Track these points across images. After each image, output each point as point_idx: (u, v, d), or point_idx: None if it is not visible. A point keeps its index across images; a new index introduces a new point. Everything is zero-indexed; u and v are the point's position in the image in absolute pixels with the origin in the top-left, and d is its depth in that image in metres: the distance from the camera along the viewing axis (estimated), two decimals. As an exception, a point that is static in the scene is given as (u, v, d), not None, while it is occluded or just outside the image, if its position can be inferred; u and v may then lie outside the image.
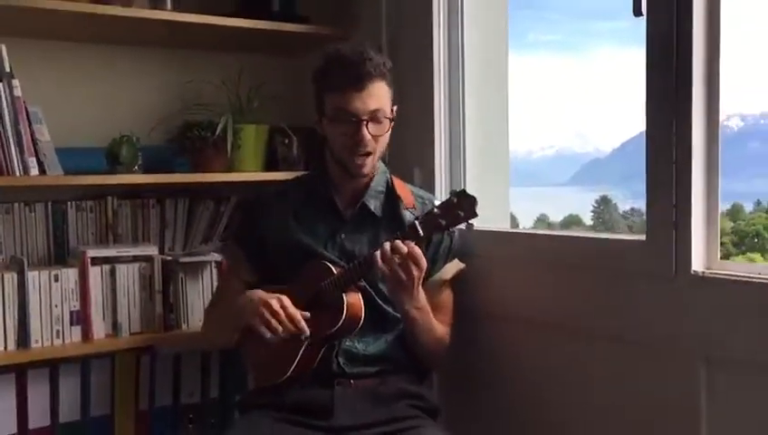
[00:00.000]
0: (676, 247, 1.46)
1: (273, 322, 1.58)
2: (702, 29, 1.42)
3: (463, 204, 1.53)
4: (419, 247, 1.57)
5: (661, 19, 1.45)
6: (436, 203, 1.58)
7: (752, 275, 1.37)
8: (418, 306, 1.66)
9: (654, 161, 1.50)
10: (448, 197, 1.56)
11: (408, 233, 1.57)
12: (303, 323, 1.59)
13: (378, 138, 1.68)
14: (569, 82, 2.36)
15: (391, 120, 1.70)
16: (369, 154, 1.69)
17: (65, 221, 2.14)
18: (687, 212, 1.44)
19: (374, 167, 1.75)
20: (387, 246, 1.55)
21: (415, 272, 1.56)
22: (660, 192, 1.48)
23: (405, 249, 1.54)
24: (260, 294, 1.65)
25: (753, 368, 1.35)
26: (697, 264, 1.44)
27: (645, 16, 1.47)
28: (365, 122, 1.64)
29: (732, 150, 2.07)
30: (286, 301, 1.60)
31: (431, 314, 1.71)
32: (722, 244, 1.93)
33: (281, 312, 1.58)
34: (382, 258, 1.55)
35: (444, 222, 1.55)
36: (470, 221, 1.53)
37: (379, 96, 1.66)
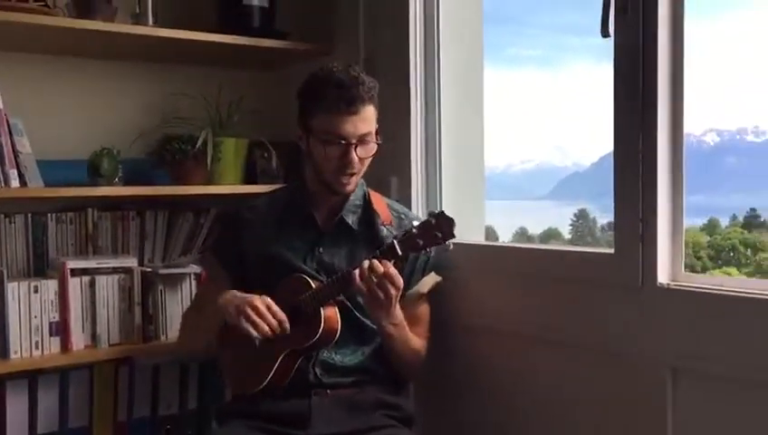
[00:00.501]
0: (642, 260, 1.50)
1: (260, 322, 1.59)
2: (667, 50, 1.47)
3: (441, 225, 1.56)
4: (397, 265, 1.59)
5: (628, 40, 1.50)
6: (414, 223, 1.59)
7: (714, 287, 1.42)
8: (395, 323, 1.68)
9: (621, 177, 1.55)
10: (427, 217, 1.59)
11: (386, 251, 1.58)
12: (287, 324, 1.61)
13: (364, 160, 1.71)
14: (548, 96, 2.40)
15: (378, 141, 1.71)
16: (354, 174, 1.72)
17: (45, 233, 2.15)
18: (653, 226, 1.49)
19: (356, 184, 1.77)
20: (365, 264, 1.57)
21: (392, 291, 1.58)
22: (627, 207, 1.53)
23: (382, 269, 1.56)
24: (242, 294, 1.66)
25: (718, 378, 1.39)
26: (663, 276, 1.49)
27: (612, 37, 1.52)
28: (354, 146, 1.67)
29: (708, 166, 2.12)
30: (270, 301, 1.62)
31: (407, 329, 1.73)
32: (698, 258, 1.99)
33: (267, 313, 1.60)
34: (360, 277, 1.57)
35: (422, 242, 1.57)
36: (447, 242, 1.56)
37: (369, 120, 1.68)
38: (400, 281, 1.59)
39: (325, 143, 1.67)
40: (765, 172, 2.10)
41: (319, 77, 1.70)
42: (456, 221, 1.55)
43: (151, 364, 2.19)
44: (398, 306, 1.65)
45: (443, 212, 1.58)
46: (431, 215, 1.58)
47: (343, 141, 1.66)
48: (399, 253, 1.58)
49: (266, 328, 1.59)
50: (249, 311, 1.60)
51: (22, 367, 1.97)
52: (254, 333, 1.59)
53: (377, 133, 1.71)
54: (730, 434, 1.38)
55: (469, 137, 2.18)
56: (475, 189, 2.19)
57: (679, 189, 1.50)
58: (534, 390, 1.78)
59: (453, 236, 1.56)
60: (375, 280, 1.56)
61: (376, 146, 1.71)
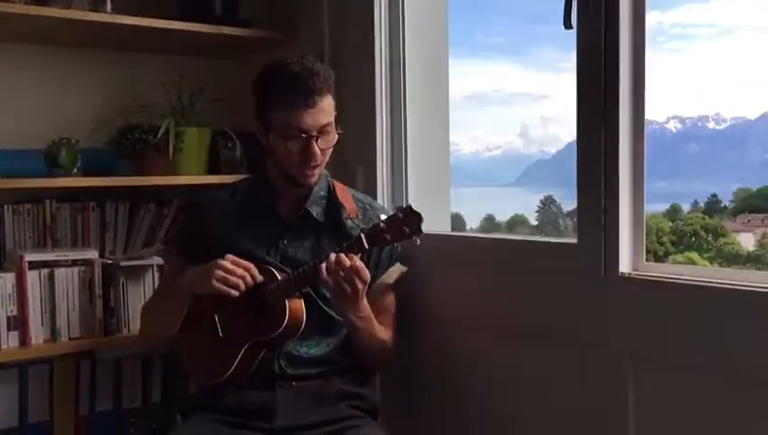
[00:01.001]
0: (605, 250, 1.52)
1: (232, 278, 1.59)
2: (628, 42, 1.48)
3: (409, 220, 1.56)
4: (362, 258, 1.59)
5: (590, 32, 1.51)
6: (382, 217, 1.59)
7: (674, 276, 1.44)
8: (362, 316, 1.67)
9: (584, 167, 1.56)
10: (394, 212, 1.58)
11: (352, 245, 1.58)
12: (255, 270, 1.62)
13: (326, 151, 1.70)
14: (514, 83, 2.41)
15: (338, 131, 1.70)
16: (317, 166, 1.70)
17: (2, 225, 2.10)
18: (615, 216, 1.50)
19: (320, 176, 1.76)
20: (332, 258, 1.56)
21: (359, 285, 1.57)
22: (590, 197, 1.54)
23: (349, 263, 1.55)
24: (203, 265, 1.65)
25: (678, 366, 1.42)
26: (624, 265, 1.51)
27: (575, 29, 1.53)
28: (315, 138, 1.65)
29: (670, 153, 2.15)
30: (232, 256, 1.62)
31: (374, 323, 1.73)
32: (661, 243, 2.01)
33: (235, 267, 1.60)
34: (327, 270, 1.56)
35: (389, 236, 1.56)
36: (414, 237, 1.56)
37: (328, 111, 1.66)
38: (367, 275, 1.59)
39: (285, 138, 1.65)
40: (725, 159, 2.13)
41: (273, 71, 1.67)
42: (423, 215, 1.54)
43: (113, 358, 2.16)
44: (364, 300, 1.65)
45: (410, 207, 1.57)
46: (399, 209, 1.58)
47: (304, 135, 1.64)
48: (366, 246, 1.57)
49: (240, 283, 1.59)
50: (219, 272, 1.59)
51: (-21, 362, 1.93)
52: (232, 292, 1.59)
53: (336, 122, 1.70)
54: (689, 420, 1.41)
55: (435, 125, 2.17)
56: (441, 179, 2.19)
57: (641, 180, 1.51)
58: (499, 378, 1.79)
59: (420, 232, 1.55)
60: (342, 273, 1.55)
61: (336, 136, 1.70)
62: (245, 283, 1.60)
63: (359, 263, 1.57)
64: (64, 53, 2.27)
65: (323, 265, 1.56)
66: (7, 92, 2.19)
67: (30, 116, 2.21)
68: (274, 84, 1.66)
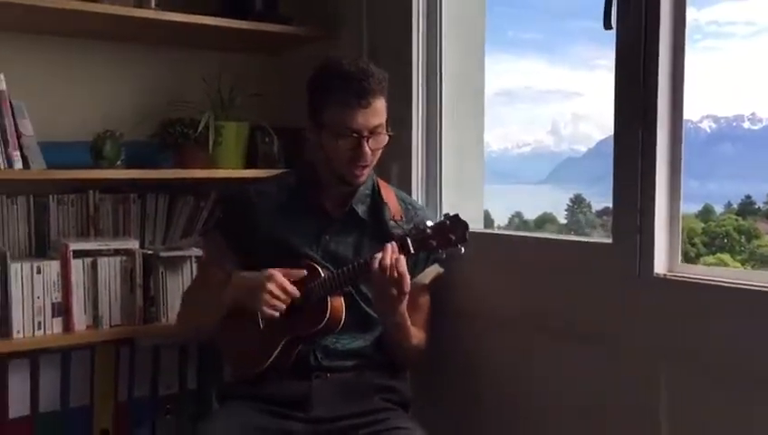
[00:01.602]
0: (640, 251, 1.53)
1: (279, 304, 1.63)
2: (668, 43, 1.49)
3: (455, 228, 1.59)
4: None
5: (629, 32, 1.52)
6: (428, 223, 1.62)
7: (710, 278, 1.45)
8: (399, 320, 1.70)
9: (620, 167, 1.57)
10: (441, 219, 1.62)
11: (399, 248, 1.61)
12: (297, 292, 1.65)
13: (376, 151, 1.72)
14: (545, 80, 2.41)
15: (389, 132, 1.72)
16: (366, 166, 1.73)
17: (47, 214, 2.16)
18: (651, 217, 1.51)
19: (368, 175, 1.78)
20: (387, 260, 1.58)
21: (405, 288, 1.60)
22: (626, 197, 1.55)
23: (402, 267, 1.58)
24: (252, 275, 1.67)
25: (712, 368, 1.42)
26: (660, 266, 1.52)
27: (614, 29, 1.54)
28: (366, 138, 1.68)
29: (704, 152, 2.13)
30: (283, 280, 1.64)
31: (410, 328, 1.75)
32: (693, 244, 2.00)
33: (281, 294, 1.63)
34: (379, 268, 1.59)
35: (435, 243, 1.60)
36: (460, 246, 1.59)
37: (380, 112, 1.68)
38: (409, 283, 1.61)
39: (337, 136, 1.68)
40: (761, 159, 2.11)
41: (329, 70, 1.70)
42: (468, 224, 1.59)
43: (151, 345, 2.22)
44: (404, 305, 1.67)
45: (458, 215, 1.60)
46: (446, 217, 1.61)
47: (355, 135, 1.67)
48: (412, 251, 1.61)
49: (283, 306, 1.63)
50: (267, 297, 1.62)
51: (24, 347, 1.99)
52: (276, 315, 1.62)
53: (387, 124, 1.72)
54: (722, 424, 1.41)
55: (469, 122, 2.19)
56: (475, 176, 2.21)
57: (677, 181, 1.52)
58: (530, 376, 1.81)
59: (465, 240, 1.59)
60: (391, 275, 1.58)
61: (387, 137, 1.72)
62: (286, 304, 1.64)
63: (404, 270, 1.59)
64: (110, 49, 2.32)
65: (377, 260, 1.59)
66: (55, 86, 2.24)
67: (76, 109, 2.26)
68: (330, 83, 1.68)
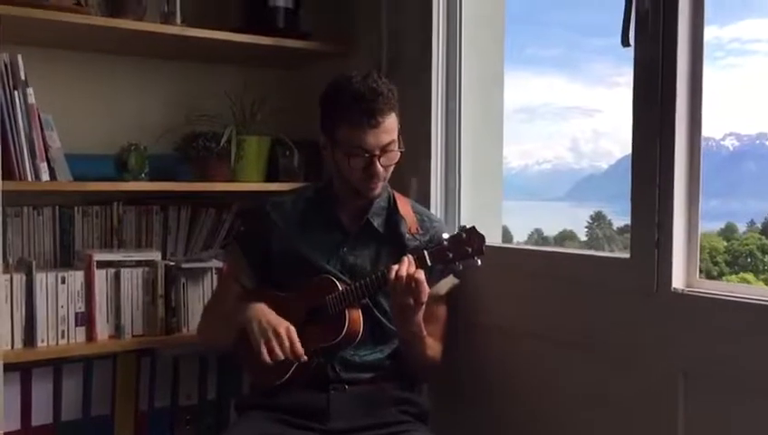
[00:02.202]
0: (657, 266, 1.53)
1: (277, 349, 1.64)
2: (686, 61, 1.50)
3: (472, 240, 1.61)
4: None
5: (647, 50, 1.53)
6: (445, 235, 1.64)
7: (728, 294, 1.44)
8: (416, 332, 1.71)
9: (638, 183, 1.58)
10: (457, 232, 1.64)
11: (416, 261, 1.62)
12: (302, 353, 1.65)
13: (388, 168, 1.74)
14: (565, 96, 2.42)
15: (401, 148, 1.74)
16: (380, 182, 1.75)
17: (72, 225, 2.20)
18: (669, 232, 1.51)
19: (383, 188, 1.80)
20: (403, 271, 1.60)
21: (422, 298, 1.62)
22: (643, 212, 1.56)
23: (420, 277, 1.60)
24: (269, 315, 1.69)
25: (730, 384, 1.42)
26: (678, 282, 1.51)
27: (632, 46, 1.55)
28: (378, 157, 1.69)
29: (727, 170, 2.12)
30: (293, 334, 1.66)
31: (427, 339, 1.76)
32: (715, 263, 1.99)
33: (286, 342, 1.64)
34: (396, 279, 1.60)
35: (451, 255, 1.62)
36: (476, 258, 1.61)
37: (390, 129, 1.70)
38: (427, 293, 1.63)
39: (349, 155, 1.70)
40: (785, 178, 2.11)
41: (338, 88, 1.71)
42: (485, 236, 1.60)
43: (172, 356, 2.24)
44: (420, 315, 1.68)
45: (474, 228, 1.62)
46: (462, 229, 1.63)
47: (367, 154, 1.69)
48: (429, 264, 1.63)
49: (281, 355, 1.64)
50: (271, 336, 1.64)
51: (48, 355, 2.02)
52: (267, 359, 1.64)
53: (399, 138, 1.73)
54: (740, 438, 1.41)
55: (488, 138, 2.20)
56: (493, 191, 2.22)
57: (696, 196, 1.52)
58: (548, 390, 1.81)
59: (482, 253, 1.60)
60: (408, 286, 1.59)
61: (399, 153, 1.74)
62: (285, 356, 1.65)
63: (422, 278, 1.61)
64: (135, 63, 2.37)
65: (394, 271, 1.60)
66: (82, 100, 2.29)
67: (101, 122, 2.31)
68: (339, 103, 1.70)
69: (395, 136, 1.72)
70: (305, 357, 1.65)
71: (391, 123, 1.70)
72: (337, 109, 1.70)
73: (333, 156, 1.75)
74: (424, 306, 1.65)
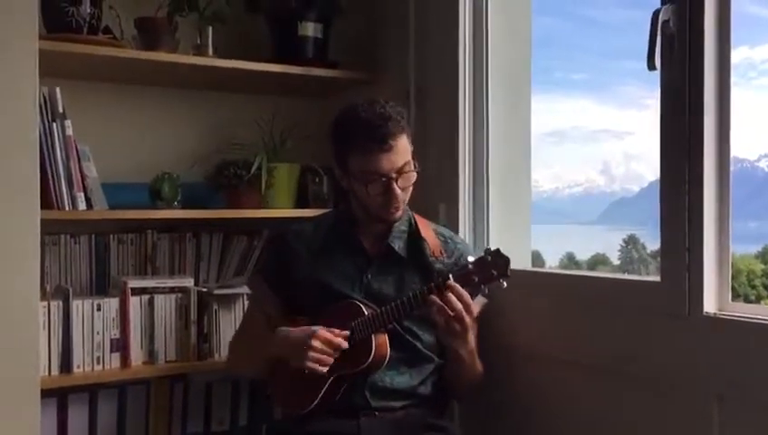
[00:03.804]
0: (689, 289, 1.52)
1: (325, 358, 1.65)
2: (713, 82, 1.49)
3: (497, 263, 1.62)
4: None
5: (674, 72, 1.53)
6: (470, 259, 1.65)
7: (761, 317, 1.42)
8: (470, 349, 1.72)
9: (668, 206, 1.57)
10: (482, 255, 1.64)
11: (441, 284, 1.63)
12: (342, 339, 1.66)
13: (407, 189, 1.75)
14: (595, 119, 2.42)
15: (417, 169, 1.74)
16: (399, 205, 1.76)
17: (107, 253, 2.25)
18: (700, 256, 1.50)
19: (403, 211, 1.81)
20: (438, 298, 1.60)
21: (467, 319, 1.62)
22: (674, 235, 1.55)
23: (459, 304, 1.60)
24: (295, 333, 1.69)
25: (764, 407, 1.39)
26: (709, 305, 1.50)
27: (658, 70, 1.55)
28: (395, 179, 1.70)
29: (763, 192, 2.09)
30: (326, 334, 1.66)
31: (476, 355, 1.78)
32: (753, 286, 1.96)
33: (326, 348, 1.65)
34: (438, 311, 1.61)
35: (477, 278, 1.62)
36: (502, 280, 1.61)
37: (403, 151, 1.71)
38: (474, 307, 1.63)
39: (366, 182, 1.71)
40: (821, 198, 2.07)
41: (346, 119, 1.73)
42: (510, 258, 1.60)
43: (204, 381, 2.26)
44: (471, 333, 1.69)
45: (499, 250, 1.62)
46: (487, 252, 1.63)
47: (383, 178, 1.70)
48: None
49: (330, 360, 1.65)
50: (313, 354, 1.64)
51: (83, 381, 2.06)
52: (323, 371, 1.65)
53: (414, 159, 1.74)
54: (777, 465, 1.38)
55: (517, 162, 2.21)
56: (522, 215, 2.22)
57: (726, 218, 1.51)
58: (579, 416, 1.79)
59: (507, 275, 1.60)
60: (456, 307, 1.60)
61: (415, 174, 1.75)
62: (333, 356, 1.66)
63: (467, 296, 1.61)
64: (168, 94, 2.43)
65: (432, 297, 1.61)
66: (116, 130, 2.35)
67: (136, 152, 2.37)
68: (348, 133, 1.71)
69: (409, 157, 1.73)
70: (345, 344, 1.66)
71: (404, 145, 1.71)
72: (348, 139, 1.72)
73: (351, 186, 1.77)
74: (471, 325, 1.65)
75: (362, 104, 1.73)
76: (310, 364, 1.64)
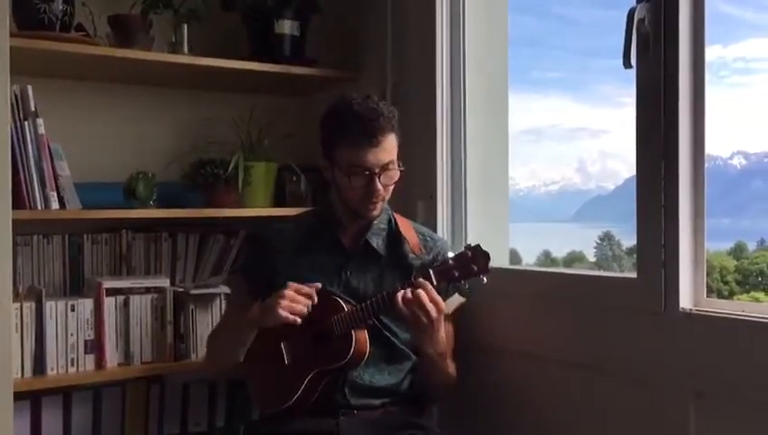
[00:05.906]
0: (665, 286, 1.53)
1: (297, 307, 1.64)
2: (688, 81, 1.51)
3: (477, 258, 1.62)
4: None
5: (649, 71, 1.54)
6: (450, 254, 1.66)
7: (736, 313, 1.44)
8: (439, 351, 1.72)
9: (643, 203, 1.58)
10: (463, 250, 1.64)
11: (421, 279, 1.63)
12: (312, 289, 1.67)
13: (388, 187, 1.75)
14: (572, 118, 2.43)
15: (400, 168, 1.75)
16: (379, 201, 1.76)
17: (81, 253, 2.22)
18: (675, 252, 1.51)
19: (382, 209, 1.81)
20: (409, 292, 1.61)
21: (433, 314, 1.62)
22: (649, 232, 1.56)
23: (427, 297, 1.60)
24: (267, 301, 1.69)
25: (741, 403, 1.41)
26: (685, 301, 1.51)
27: (634, 68, 1.56)
28: (377, 175, 1.71)
29: (735, 189, 2.12)
30: (296, 284, 1.67)
31: (448, 357, 1.77)
32: (725, 283, 1.99)
33: (298, 296, 1.65)
34: (404, 302, 1.61)
35: (457, 273, 1.63)
36: (482, 276, 1.61)
37: (390, 149, 1.72)
38: (443, 305, 1.64)
39: (349, 174, 1.72)
40: (794, 195, 2.10)
41: (339, 110, 1.74)
42: (490, 254, 1.60)
43: (181, 382, 2.24)
44: (441, 332, 1.69)
45: (479, 246, 1.63)
46: (467, 248, 1.64)
47: (367, 172, 1.70)
48: (435, 283, 1.63)
49: (305, 309, 1.65)
50: (284, 301, 1.64)
51: (57, 383, 2.03)
52: (298, 320, 1.64)
53: (399, 159, 1.75)
54: (753, 459, 1.40)
55: (494, 160, 2.22)
56: (500, 213, 2.23)
57: (701, 215, 1.52)
58: (557, 412, 1.80)
59: (488, 271, 1.61)
60: (419, 306, 1.60)
61: (399, 173, 1.75)
62: (308, 305, 1.66)
63: (434, 293, 1.62)
64: (143, 92, 2.40)
65: (400, 295, 1.61)
66: (90, 129, 2.32)
67: (110, 151, 2.34)
68: (340, 123, 1.72)
69: (394, 156, 1.74)
70: (319, 284, 1.67)
71: (391, 143, 1.72)
72: (338, 129, 1.73)
73: (334, 176, 1.77)
74: (440, 322, 1.65)
75: (357, 98, 1.74)
76: (282, 313, 1.63)
